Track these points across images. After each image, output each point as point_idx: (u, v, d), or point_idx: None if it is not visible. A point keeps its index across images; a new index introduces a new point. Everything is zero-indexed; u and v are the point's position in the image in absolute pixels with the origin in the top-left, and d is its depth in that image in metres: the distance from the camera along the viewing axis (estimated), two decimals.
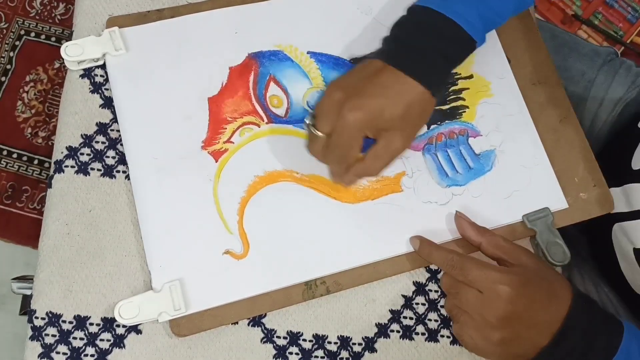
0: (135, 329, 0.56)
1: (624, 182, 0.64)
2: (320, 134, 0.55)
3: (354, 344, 0.58)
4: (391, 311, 0.59)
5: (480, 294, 0.52)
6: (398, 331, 0.58)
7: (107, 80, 0.62)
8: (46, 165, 1.09)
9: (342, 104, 0.53)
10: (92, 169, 0.60)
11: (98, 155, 0.60)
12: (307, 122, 0.56)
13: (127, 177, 0.59)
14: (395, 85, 0.54)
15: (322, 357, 0.57)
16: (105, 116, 0.61)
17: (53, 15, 1.16)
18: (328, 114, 0.54)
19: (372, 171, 0.56)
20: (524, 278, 0.52)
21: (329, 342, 0.57)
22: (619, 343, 0.51)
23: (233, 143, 0.60)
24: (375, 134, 0.54)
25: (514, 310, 0.51)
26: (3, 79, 1.11)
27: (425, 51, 0.55)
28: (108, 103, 0.62)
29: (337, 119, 0.53)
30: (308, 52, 0.64)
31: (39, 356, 0.55)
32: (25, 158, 1.09)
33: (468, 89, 0.65)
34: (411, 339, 0.58)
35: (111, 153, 0.60)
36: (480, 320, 0.52)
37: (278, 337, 0.57)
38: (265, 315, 0.57)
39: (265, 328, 0.57)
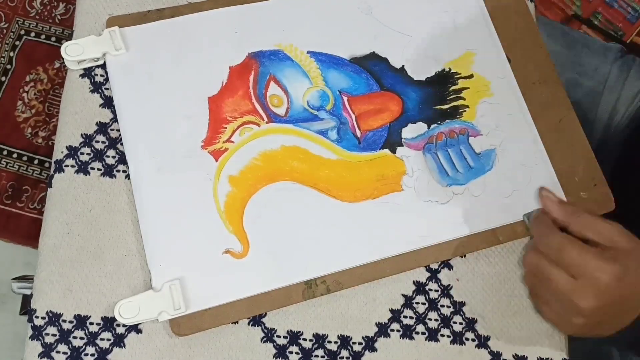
0: (135, 328, 0.56)
1: None
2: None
3: (354, 343, 0.58)
4: (391, 310, 0.59)
5: (573, 281, 0.49)
6: (398, 330, 0.58)
7: (107, 79, 0.62)
8: (46, 165, 1.09)
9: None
10: (92, 168, 0.60)
11: (98, 155, 0.60)
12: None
13: (127, 176, 0.59)
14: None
15: (322, 357, 0.57)
16: (105, 116, 0.61)
17: (53, 15, 1.16)
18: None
19: None
20: (625, 268, 0.48)
21: (329, 342, 0.57)
22: None
23: (233, 142, 0.60)
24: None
25: (608, 302, 0.48)
26: (3, 79, 1.11)
27: None
28: (108, 103, 0.62)
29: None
30: (308, 52, 0.64)
31: (39, 355, 0.55)
32: (25, 158, 1.09)
33: (468, 88, 0.65)
34: (411, 338, 0.58)
35: (111, 153, 0.60)
36: (568, 305, 0.49)
37: (278, 336, 0.57)
38: (266, 314, 0.57)
39: (265, 327, 0.57)
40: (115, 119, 0.61)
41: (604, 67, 0.77)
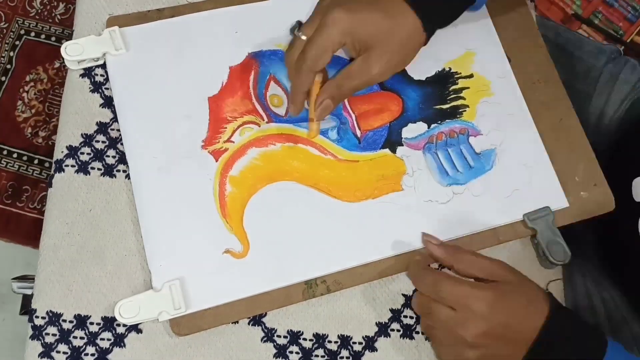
0: (135, 328, 0.56)
1: None
2: (303, 36, 0.53)
3: (355, 343, 0.58)
4: (391, 310, 0.59)
5: (453, 312, 0.50)
6: (398, 330, 0.58)
7: (107, 79, 0.62)
8: (46, 165, 1.09)
9: (333, 5, 0.52)
10: (93, 168, 0.60)
11: (98, 155, 0.60)
12: (292, 26, 0.55)
13: (128, 176, 0.59)
14: (390, 3, 0.52)
15: (322, 356, 0.57)
16: (105, 116, 0.61)
17: (53, 15, 1.16)
18: (315, 16, 0.53)
19: (343, 90, 0.55)
20: (499, 293, 0.51)
21: (330, 341, 0.57)
22: (601, 357, 0.50)
23: (233, 142, 0.60)
24: (355, 51, 0.53)
25: (489, 328, 0.50)
26: (3, 78, 1.11)
27: None
28: (108, 102, 0.62)
29: (321, 18, 0.52)
30: None
31: (39, 355, 0.55)
32: (25, 158, 1.09)
33: (468, 88, 0.65)
34: (411, 338, 0.58)
35: (111, 152, 0.60)
36: (454, 340, 0.51)
37: (278, 336, 0.57)
38: (266, 314, 0.57)
39: (265, 327, 0.57)
40: (115, 119, 0.61)
41: (596, 70, 0.77)
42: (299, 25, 0.54)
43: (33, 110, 1.10)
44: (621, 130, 0.74)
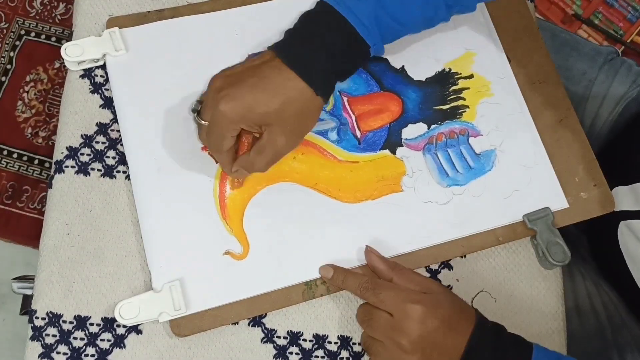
0: (135, 329, 0.56)
1: (633, 180, 0.64)
2: (203, 122, 0.54)
3: (354, 343, 0.58)
4: None
5: (391, 318, 0.51)
6: None
7: (107, 80, 0.62)
8: (46, 165, 1.09)
9: (218, 93, 0.52)
10: (93, 169, 0.60)
11: (98, 156, 0.60)
12: (193, 108, 0.56)
13: (127, 177, 0.59)
14: (275, 79, 0.51)
15: (322, 357, 0.57)
16: (105, 116, 0.61)
17: (53, 15, 1.16)
18: (207, 102, 0.53)
19: (256, 166, 0.54)
20: (433, 300, 0.52)
21: (329, 342, 0.57)
22: None
23: None
24: (257, 128, 0.53)
25: (425, 332, 0.50)
26: (3, 79, 1.11)
27: (311, 47, 0.52)
28: (108, 103, 0.62)
29: (212, 110, 0.52)
30: None
31: (39, 356, 0.55)
32: (25, 158, 1.09)
33: (468, 88, 0.65)
34: None
35: (111, 153, 0.60)
36: (393, 347, 0.51)
37: (278, 337, 0.57)
38: (266, 315, 0.57)
39: (265, 328, 0.57)
40: (115, 120, 0.61)
41: (592, 72, 0.76)
42: (199, 106, 0.55)
43: (33, 111, 1.10)
44: (612, 133, 0.74)
